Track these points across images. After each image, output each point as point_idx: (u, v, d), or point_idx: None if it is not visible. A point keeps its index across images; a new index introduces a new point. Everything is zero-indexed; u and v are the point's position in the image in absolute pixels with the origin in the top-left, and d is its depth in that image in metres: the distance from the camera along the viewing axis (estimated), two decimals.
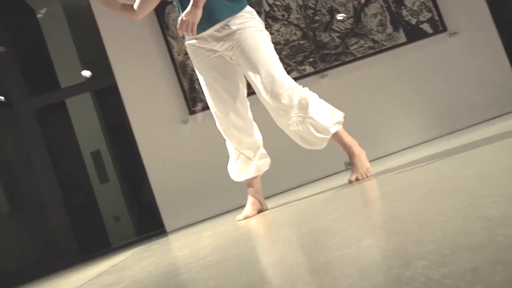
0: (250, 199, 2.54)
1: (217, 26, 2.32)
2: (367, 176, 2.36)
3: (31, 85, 5.29)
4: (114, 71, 4.69)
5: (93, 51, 5.44)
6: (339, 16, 4.75)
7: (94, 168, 6.73)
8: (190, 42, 2.43)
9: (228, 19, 2.33)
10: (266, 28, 4.75)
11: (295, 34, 4.70)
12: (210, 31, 2.33)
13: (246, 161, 2.51)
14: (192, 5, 2.17)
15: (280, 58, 2.38)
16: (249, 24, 2.34)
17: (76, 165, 6.04)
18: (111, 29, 4.66)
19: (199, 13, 2.18)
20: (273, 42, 4.84)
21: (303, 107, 2.30)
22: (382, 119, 4.73)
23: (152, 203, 4.68)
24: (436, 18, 4.83)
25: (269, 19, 4.69)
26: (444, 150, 2.51)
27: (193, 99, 4.39)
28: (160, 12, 4.68)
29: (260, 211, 2.53)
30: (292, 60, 4.63)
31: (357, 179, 2.36)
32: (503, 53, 4.88)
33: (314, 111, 2.32)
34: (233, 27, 2.32)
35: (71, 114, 6.11)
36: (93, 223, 6.06)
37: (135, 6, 2.49)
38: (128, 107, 4.64)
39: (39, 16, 5.90)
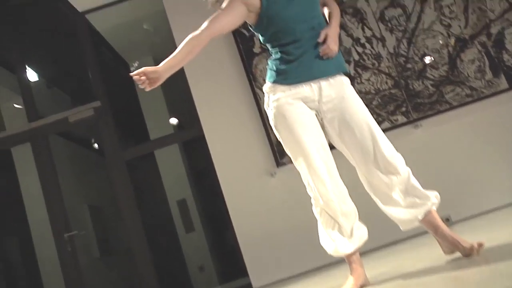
0: (352, 274, 2.29)
1: (337, 76, 2.26)
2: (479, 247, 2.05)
3: (123, 136, 5.48)
4: (202, 122, 4.73)
5: (181, 102, 5.57)
6: (427, 60, 4.51)
7: (179, 217, 6.79)
8: (287, 94, 2.21)
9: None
10: (355, 77, 4.63)
11: (386, 83, 4.51)
12: (330, 77, 2.24)
13: (342, 232, 2.26)
14: (336, 23, 2.19)
15: (371, 108, 2.30)
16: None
17: (163, 213, 6.12)
18: (199, 80, 4.74)
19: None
20: (363, 92, 4.69)
21: (407, 175, 2.18)
22: (483, 172, 4.35)
23: (237, 255, 4.58)
24: None
25: (358, 68, 4.55)
26: None
27: (280, 152, 4.30)
28: (248, 64, 4.71)
29: (362, 285, 2.29)
30: (383, 110, 4.43)
31: (480, 245, 2.05)
32: None
33: (414, 180, 2.20)
34: (344, 81, 2.28)
35: (159, 163, 6.24)
36: (177, 272, 6.06)
37: (202, 29, 2.18)
38: (215, 158, 4.64)
39: (132, 69, 6.17)
